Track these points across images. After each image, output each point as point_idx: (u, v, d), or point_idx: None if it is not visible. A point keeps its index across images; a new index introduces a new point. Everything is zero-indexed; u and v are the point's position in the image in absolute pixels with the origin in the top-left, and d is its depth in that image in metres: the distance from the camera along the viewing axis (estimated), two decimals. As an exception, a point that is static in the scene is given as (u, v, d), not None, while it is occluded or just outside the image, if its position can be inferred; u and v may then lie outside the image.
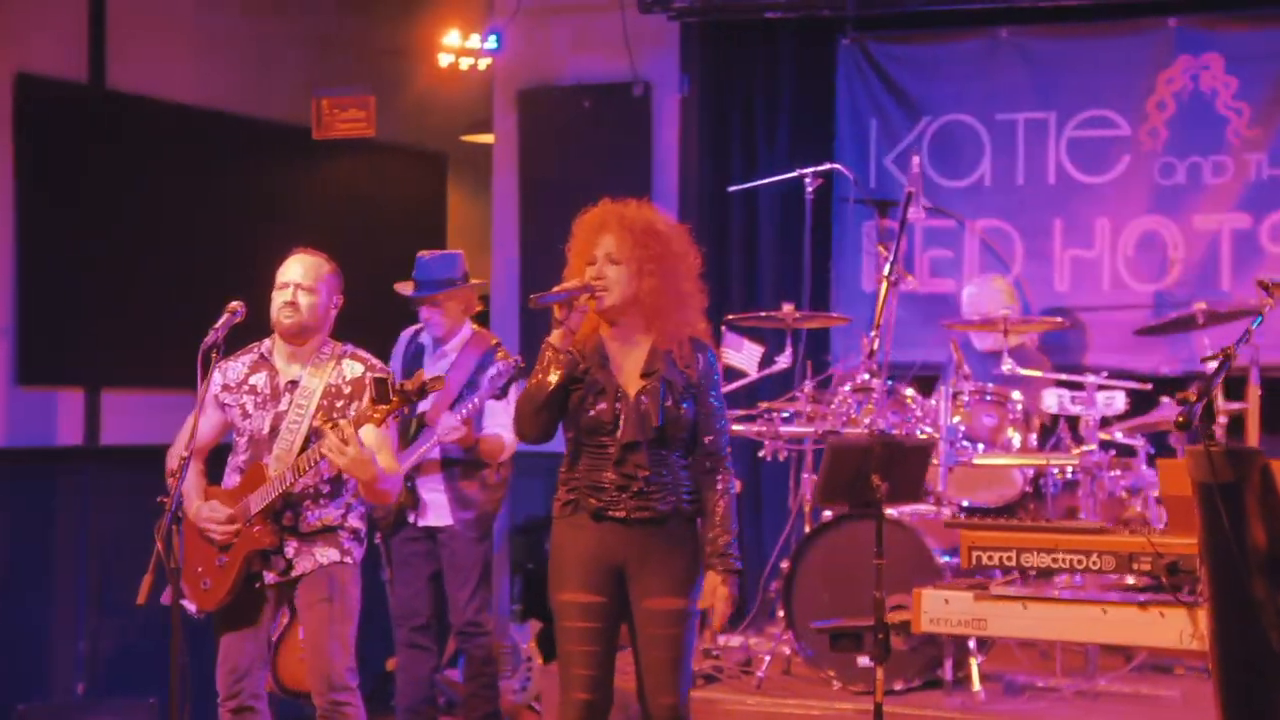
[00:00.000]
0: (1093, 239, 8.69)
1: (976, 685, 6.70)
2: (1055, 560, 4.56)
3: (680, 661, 5.09)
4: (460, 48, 9.46)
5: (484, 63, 9.52)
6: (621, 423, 5.02)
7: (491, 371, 6.92)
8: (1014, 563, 4.59)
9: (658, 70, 9.73)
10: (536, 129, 9.96)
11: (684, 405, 5.07)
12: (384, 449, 5.78)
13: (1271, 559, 4.15)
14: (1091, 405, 7.11)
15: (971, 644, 6.75)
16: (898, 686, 6.78)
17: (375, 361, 6.03)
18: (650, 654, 5.09)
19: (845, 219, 9.01)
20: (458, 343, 7.16)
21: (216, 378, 6.00)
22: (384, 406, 5.52)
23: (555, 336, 5.02)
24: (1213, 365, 4.28)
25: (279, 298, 5.85)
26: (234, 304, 5.70)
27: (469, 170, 12.01)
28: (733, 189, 8.72)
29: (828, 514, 7.13)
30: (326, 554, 5.84)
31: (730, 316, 7.74)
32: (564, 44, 9.87)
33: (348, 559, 5.89)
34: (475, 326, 7.29)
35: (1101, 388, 7.14)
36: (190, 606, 5.91)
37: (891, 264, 7.39)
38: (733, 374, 7.51)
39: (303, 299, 5.86)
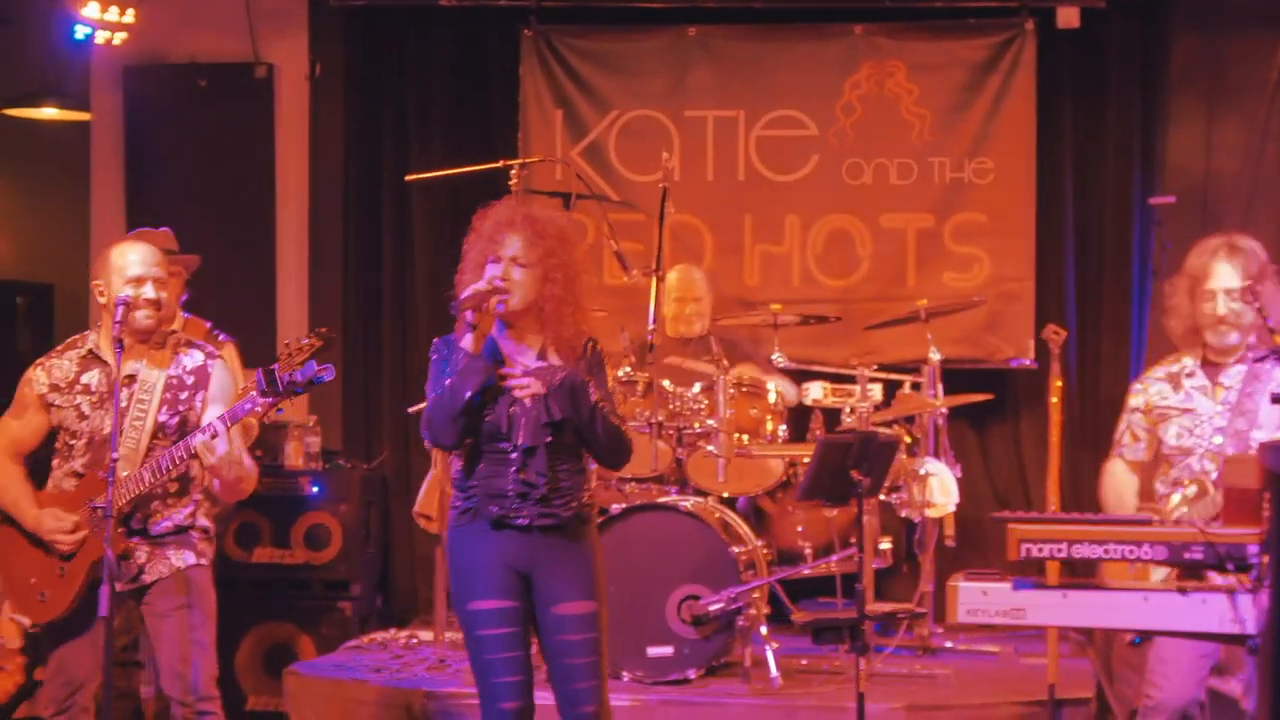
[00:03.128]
0: (782, 235, 8.98)
1: (774, 670, 6.87)
2: (1107, 551, 4.74)
3: (597, 667, 5.00)
4: (101, 20, 8.70)
5: (119, 37, 8.80)
6: (517, 428, 4.89)
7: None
8: (1065, 554, 4.75)
9: (284, 52, 9.43)
10: (145, 107, 9.46)
11: None
12: (243, 442, 5.62)
13: (1332, 546, 4.55)
14: (865, 396, 7.42)
15: (764, 629, 6.95)
16: (691, 674, 6.89)
17: (209, 347, 5.81)
18: (564, 661, 4.98)
19: (531, 211, 8.89)
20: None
21: (41, 377, 5.54)
22: (267, 401, 5.34)
23: (468, 343, 4.85)
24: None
25: (136, 293, 5.46)
26: None
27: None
28: (411, 178, 8.42)
29: (615, 507, 7.10)
30: (182, 557, 5.62)
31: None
32: (175, 20, 9.39)
33: (203, 560, 5.69)
34: (185, 314, 6.94)
35: (872, 380, 7.46)
36: (23, 620, 5.62)
37: (659, 259, 7.44)
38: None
39: (164, 295, 5.56)
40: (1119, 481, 5.72)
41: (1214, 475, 5.45)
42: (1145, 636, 5.46)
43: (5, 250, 11.28)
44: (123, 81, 9.42)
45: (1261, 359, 5.42)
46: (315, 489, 8.31)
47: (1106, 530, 4.79)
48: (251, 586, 8.21)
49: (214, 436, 5.30)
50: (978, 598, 4.81)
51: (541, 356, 4.99)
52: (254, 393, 5.32)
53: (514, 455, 4.88)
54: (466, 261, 4.99)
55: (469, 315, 4.84)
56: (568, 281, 4.96)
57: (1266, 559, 4.52)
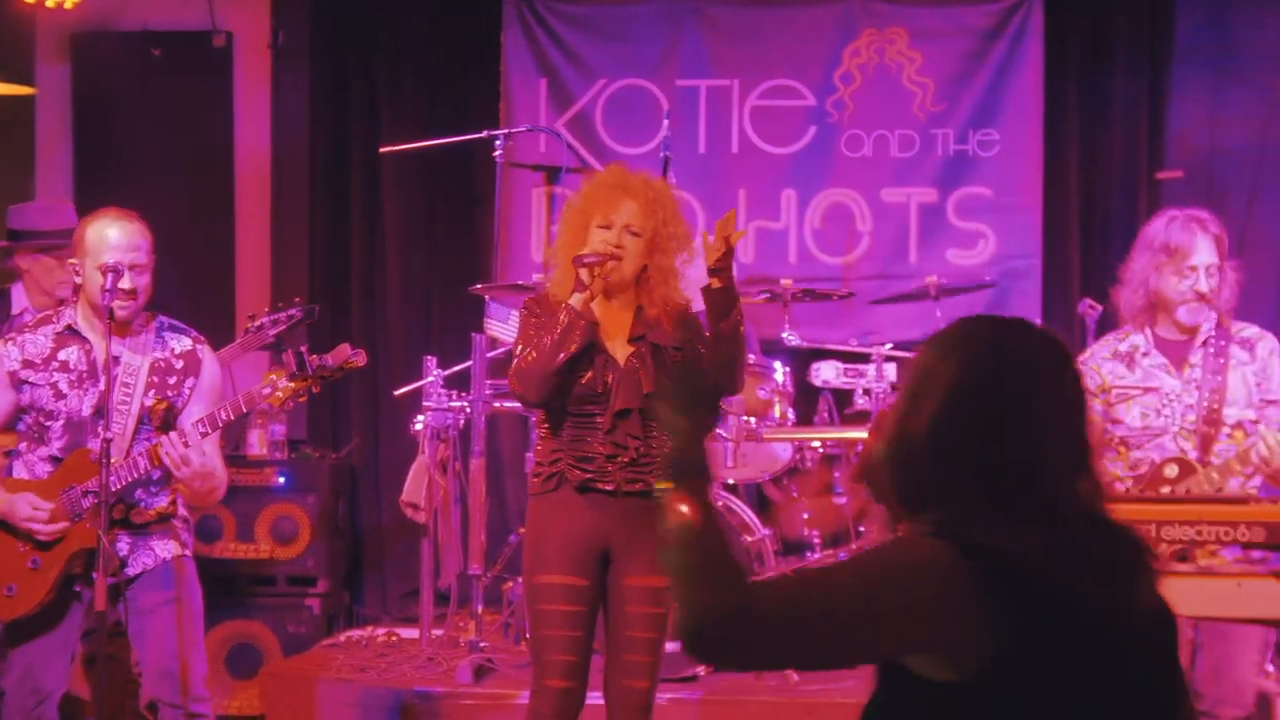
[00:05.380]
0: (779, 210, 8.56)
1: (790, 667, 6.48)
2: (1200, 533, 4.38)
3: (657, 645, 4.80)
4: (52, -16, 8.17)
5: (69, 1, 8.24)
6: (612, 390, 4.76)
7: None
8: (1154, 536, 4.38)
9: (243, 19, 8.98)
10: (94, 79, 8.97)
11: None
12: (217, 444, 5.20)
13: None
14: (880, 378, 7.02)
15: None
16: (700, 671, 6.53)
17: (194, 331, 5.37)
18: (625, 633, 4.80)
19: (514, 185, 8.43)
20: None
21: (12, 352, 5.14)
22: (293, 385, 4.92)
23: (577, 300, 4.73)
24: None
25: (107, 281, 4.98)
26: None
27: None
28: (386, 150, 7.97)
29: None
30: (166, 547, 5.19)
31: (480, 287, 7.12)
32: (125, -16, 8.89)
33: (187, 550, 5.26)
34: None
35: (889, 359, 7.08)
36: None
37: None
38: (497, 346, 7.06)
39: (140, 281, 5.11)
40: None
41: (1193, 454, 5.19)
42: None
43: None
44: (70, 51, 8.94)
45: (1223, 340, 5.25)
46: (281, 479, 7.82)
47: (1200, 509, 4.42)
48: (213, 582, 7.54)
49: (186, 446, 4.92)
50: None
51: (638, 319, 4.86)
52: (275, 377, 4.96)
53: (602, 419, 4.76)
54: (568, 223, 4.89)
55: (582, 275, 4.72)
56: (671, 254, 4.85)
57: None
